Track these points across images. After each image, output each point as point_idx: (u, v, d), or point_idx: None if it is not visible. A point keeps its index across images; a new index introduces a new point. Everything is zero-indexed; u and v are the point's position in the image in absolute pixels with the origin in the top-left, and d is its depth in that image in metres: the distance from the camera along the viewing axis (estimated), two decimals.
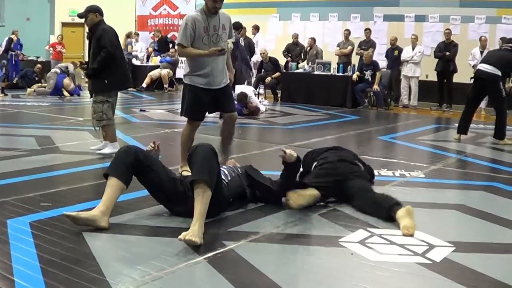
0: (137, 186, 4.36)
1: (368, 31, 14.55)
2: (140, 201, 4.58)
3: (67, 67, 14.58)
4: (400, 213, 4.14)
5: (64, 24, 21.58)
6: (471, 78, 8.89)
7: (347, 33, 14.85)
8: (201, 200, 3.76)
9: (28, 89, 14.42)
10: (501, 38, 8.89)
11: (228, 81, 5.67)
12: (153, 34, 18.13)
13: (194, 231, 3.57)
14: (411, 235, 3.96)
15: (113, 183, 3.97)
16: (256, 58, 15.03)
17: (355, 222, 4.23)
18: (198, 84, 5.48)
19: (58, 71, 14.32)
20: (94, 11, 6.55)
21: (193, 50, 5.39)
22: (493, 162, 7.09)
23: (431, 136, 9.52)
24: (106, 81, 6.45)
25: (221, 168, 4.32)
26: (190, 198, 3.88)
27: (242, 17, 14.54)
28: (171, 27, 18.93)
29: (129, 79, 7.06)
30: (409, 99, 14.07)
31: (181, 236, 3.51)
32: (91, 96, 6.83)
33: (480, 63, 8.70)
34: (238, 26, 12.07)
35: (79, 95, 14.24)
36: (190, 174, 4.98)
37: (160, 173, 4.18)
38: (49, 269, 3.14)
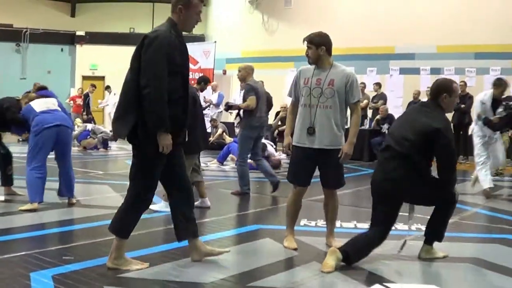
0: (153, 243, 4.39)
1: (376, 85, 14.71)
2: (156, 256, 4.63)
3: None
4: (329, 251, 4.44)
5: (84, 78, 22.08)
6: None
7: (363, 86, 15.03)
8: None
9: None
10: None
11: (335, 146, 4.94)
12: None
13: None
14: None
15: None
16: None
17: (370, 276, 4.25)
18: (293, 142, 5.11)
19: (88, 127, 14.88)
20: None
21: (289, 118, 5.37)
22: (509, 215, 7.07)
23: None
24: None
25: None
26: None
27: (260, 71, 14.75)
28: (191, 82, 19.16)
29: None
30: None
31: None
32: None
33: None
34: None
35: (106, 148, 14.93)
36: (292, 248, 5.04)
37: None
38: None
